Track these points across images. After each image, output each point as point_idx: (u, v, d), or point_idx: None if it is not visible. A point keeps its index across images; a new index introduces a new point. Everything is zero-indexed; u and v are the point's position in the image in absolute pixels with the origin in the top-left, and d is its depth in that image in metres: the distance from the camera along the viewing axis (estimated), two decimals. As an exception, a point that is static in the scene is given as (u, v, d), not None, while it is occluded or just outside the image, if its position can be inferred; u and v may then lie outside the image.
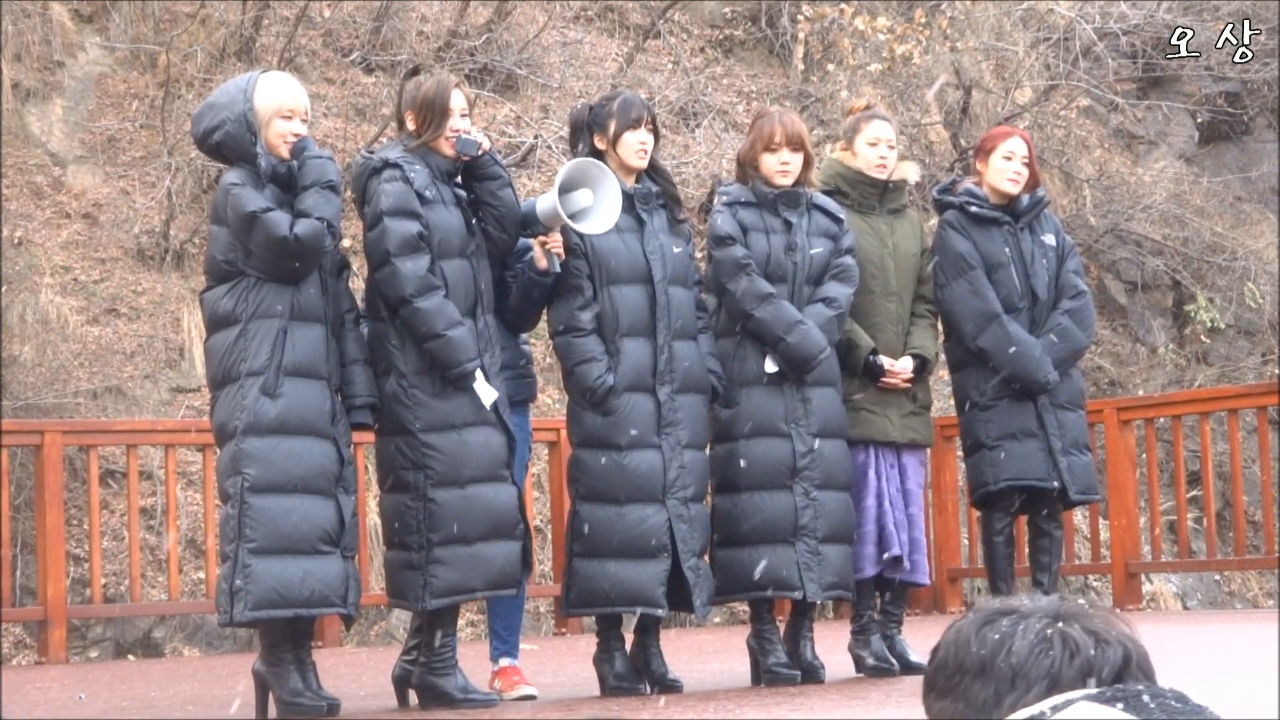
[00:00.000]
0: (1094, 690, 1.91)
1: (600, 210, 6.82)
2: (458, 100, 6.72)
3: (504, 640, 7.13)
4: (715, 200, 7.30)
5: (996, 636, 1.96)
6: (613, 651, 6.99)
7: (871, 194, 7.54)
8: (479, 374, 6.54)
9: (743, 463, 7.08)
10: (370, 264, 6.64)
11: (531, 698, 6.92)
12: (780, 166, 7.19)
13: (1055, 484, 7.51)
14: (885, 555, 7.32)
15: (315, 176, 6.38)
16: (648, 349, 6.93)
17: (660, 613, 6.86)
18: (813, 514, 7.08)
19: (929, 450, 8.04)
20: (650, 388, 6.90)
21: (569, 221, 6.76)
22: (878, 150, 7.50)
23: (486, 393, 6.57)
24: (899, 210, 7.62)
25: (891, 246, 7.51)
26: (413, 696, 6.73)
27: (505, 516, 6.58)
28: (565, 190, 6.81)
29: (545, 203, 6.82)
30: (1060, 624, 1.96)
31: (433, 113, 6.66)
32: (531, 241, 6.90)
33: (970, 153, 10.58)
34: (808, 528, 7.07)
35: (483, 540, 6.52)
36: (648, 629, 7.02)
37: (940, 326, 7.73)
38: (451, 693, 6.49)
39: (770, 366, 7.10)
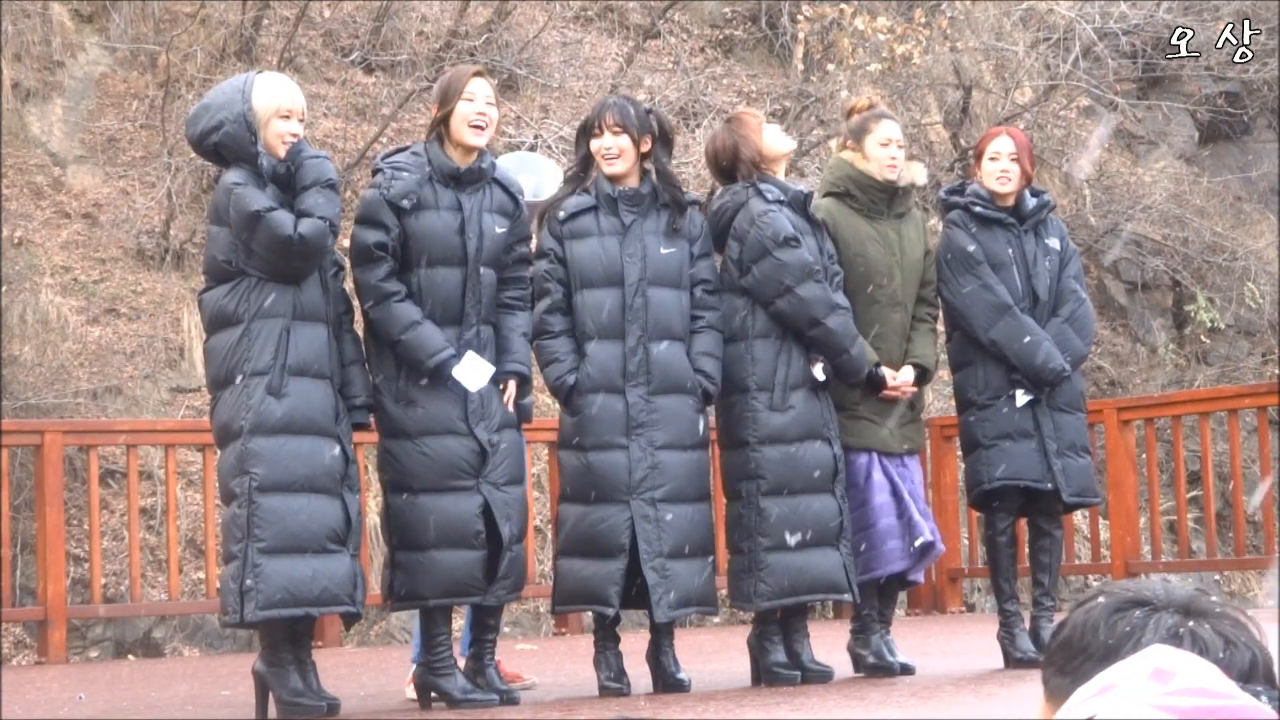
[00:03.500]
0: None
1: (545, 183, 7.25)
2: (478, 87, 6.69)
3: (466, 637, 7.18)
4: (754, 200, 7.16)
5: (1127, 628, 1.97)
6: (605, 652, 6.99)
7: (881, 199, 7.45)
8: (470, 356, 6.56)
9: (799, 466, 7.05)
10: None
11: (525, 688, 6.96)
12: (782, 134, 7.35)
13: (1050, 485, 7.51)
14: (916, 543, 7.28)
15: (315, 176, 6.37)
16: (616, 350, 6.92)
17: (610, 612, 6.86)
18: (845, 517, 7.12)
19: (926, 451, 8.06)
20: (620, 389, 6.90)
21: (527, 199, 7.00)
22: (889, 151, 7.42)
23: (482, 371, 6.60)
24: (904, 213, 7.55)
25: (899, 254, 7.43)
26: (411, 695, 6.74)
27: None
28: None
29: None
30: (1191, 622, 1.96)
31: (445, 93, 6.68)
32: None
33: (970, 153, 10.61)
34: (846, 531, 7.11)
35: None
36: (659, 628, 7.00)
37: (940, 329, 7.71)
38: (452, 693, 6.49)
39: (820, 375, 7.09)
